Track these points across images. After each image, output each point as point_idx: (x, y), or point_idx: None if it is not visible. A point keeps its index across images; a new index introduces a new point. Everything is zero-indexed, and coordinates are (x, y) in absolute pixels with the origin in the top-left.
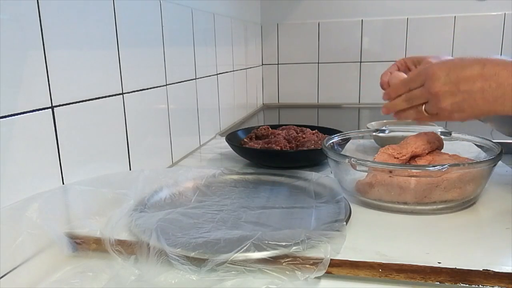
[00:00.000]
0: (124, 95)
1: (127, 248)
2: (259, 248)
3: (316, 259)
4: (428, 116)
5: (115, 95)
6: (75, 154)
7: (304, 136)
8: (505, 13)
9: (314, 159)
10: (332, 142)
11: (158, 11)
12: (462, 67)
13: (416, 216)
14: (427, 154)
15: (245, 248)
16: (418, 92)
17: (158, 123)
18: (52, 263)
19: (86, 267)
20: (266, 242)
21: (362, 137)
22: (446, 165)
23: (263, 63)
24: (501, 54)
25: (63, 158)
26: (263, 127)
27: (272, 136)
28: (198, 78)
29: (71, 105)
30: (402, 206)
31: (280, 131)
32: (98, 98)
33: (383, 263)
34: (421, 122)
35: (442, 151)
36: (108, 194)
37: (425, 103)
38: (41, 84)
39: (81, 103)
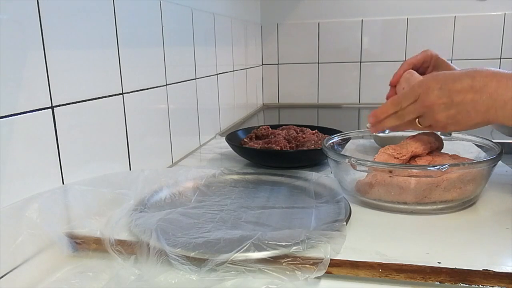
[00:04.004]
0: (124, 95)
1: (127, 248)
2: (259, 248)
3: (316, 259)
4: (422, 128)
5: (115, 95)
6: (75, 154)
7: (304, 136)
8: (505, 13)
9: (314, 159)
10: (332, 142)
11: (158, 11)
12: (453, 80)
13: (416, 216)
14: (427, 154)
15: (245, 248)
16: (411, 107)
17: (158, 123)
18: (52, 263)
19: (86, 267)
20: (266, 242)
21: (362, 137)
22: (446, 165)
23: (263, 63)
24: (501, 55)
25: (63, 158)
26: (263, 127)
27: (272, 136)
28: (198, 78)
29: (71, 105)
30: (402, 206)
31: (280, 131)
32: (98, 98)
33: (383, 263)
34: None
35: (442, 151)
36: (108, 194)
37: (418, 117)
38: (41, 84)
39: (81, 103)
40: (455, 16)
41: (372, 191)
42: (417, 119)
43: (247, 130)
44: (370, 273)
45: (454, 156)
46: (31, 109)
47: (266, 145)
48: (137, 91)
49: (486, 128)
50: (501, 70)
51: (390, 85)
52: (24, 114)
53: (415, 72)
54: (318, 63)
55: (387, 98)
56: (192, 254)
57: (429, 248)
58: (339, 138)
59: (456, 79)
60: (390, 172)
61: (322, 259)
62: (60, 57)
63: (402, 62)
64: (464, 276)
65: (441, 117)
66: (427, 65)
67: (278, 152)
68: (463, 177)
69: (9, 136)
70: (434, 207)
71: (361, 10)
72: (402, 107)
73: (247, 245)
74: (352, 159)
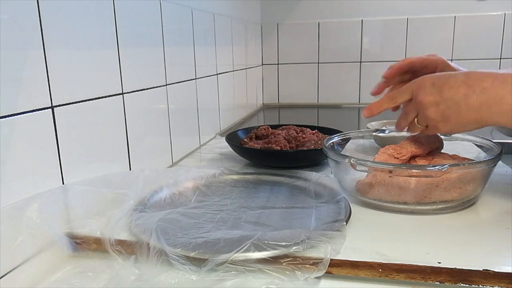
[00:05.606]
0: (124, 95)
1: (127, 248)
2: (259, 248)
3: (316, 259)
4: (421, 128)
5: (115, 95)
6: (75, 154)
7: (304, 136)
8: (505, 13)
9: (314, 159)
10: (332, 142)
11: (158, 11)
12: (447, 77)
13: (416, 216)
14: (427, 154)
15: (245, 248)
16: (410, 105)
17: (158, 123)
18: (52, 263)
19: (86, 267)
20: (266, 242)
21: (362, 137)
22: (446, 165)
23: (263, 63)
24: (501, 55)
25: (63, 158)
26: (263, 127)
27: (272, 136)
28: (198, 78)
29: (71, 105)
30: (402, 206)
31: (280, 131)
32: (98, 98)
33: (383, 263)
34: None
35: (442, 151)
36: (108, 194)
37: (416, 116)
38: (41, 84)
39: (81, 103)
40: (455, 16)
41: (372, 191)
42: (415, 119)
43: (247, 130)
44: (370, 273)
45: (454, 156)
46: (31, 109)
47: (266, 145)
48: (137, 91)
49: (486, 128)
50: (501, 71)
51: (383, 77)
52: (24, 114)
53: None
54: (318, 63)
55: (375, 91)
56: (192, 254)
57: (429, 248)
58: (339, 138)
59: (451, 76)
60: (390, 172)
61: (322, 259)
62: (60, 57)
63: None
64: (464, 276)
65: (430, 113)
66: (431, 68)
67: (278, 152)
68: (463, 177)
69: (9, 136)
70: (434, 207)
71: (361, 10)
72: (397, 103)
73: (247, 245)
74: (352, 159)
